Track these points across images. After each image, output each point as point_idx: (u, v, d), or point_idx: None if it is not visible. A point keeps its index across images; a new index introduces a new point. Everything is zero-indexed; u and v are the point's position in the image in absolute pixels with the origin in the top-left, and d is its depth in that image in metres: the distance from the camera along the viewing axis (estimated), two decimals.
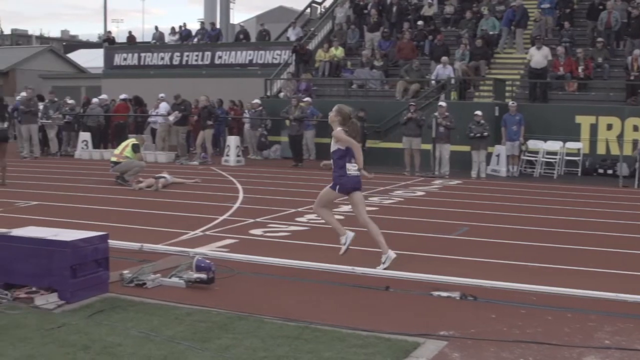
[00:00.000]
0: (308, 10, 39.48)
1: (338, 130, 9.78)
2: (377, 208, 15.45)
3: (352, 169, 9.85)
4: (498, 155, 23.73)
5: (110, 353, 6.15)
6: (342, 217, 12.12)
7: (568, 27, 28.75)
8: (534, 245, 11.85)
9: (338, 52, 31.06)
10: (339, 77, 30.43)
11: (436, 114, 22.95)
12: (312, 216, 13.96)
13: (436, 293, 8.40)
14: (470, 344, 6.68)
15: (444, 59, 27.35)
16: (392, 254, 9.83)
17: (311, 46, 33.08)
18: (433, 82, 27.76)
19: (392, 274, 9.29)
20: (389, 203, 16.41)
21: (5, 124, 18.12)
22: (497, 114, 24.42)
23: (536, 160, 24.02)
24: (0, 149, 17.94)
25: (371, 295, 8.40)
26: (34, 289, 7.73)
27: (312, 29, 35.15)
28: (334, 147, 9.94)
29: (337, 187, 9.90)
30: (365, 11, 33.39)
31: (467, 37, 29.03)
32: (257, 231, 12.37)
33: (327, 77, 30.77)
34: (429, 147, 23.12)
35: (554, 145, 23.97)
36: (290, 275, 9.28)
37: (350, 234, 10.02)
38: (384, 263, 9.77)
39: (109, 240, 8.31)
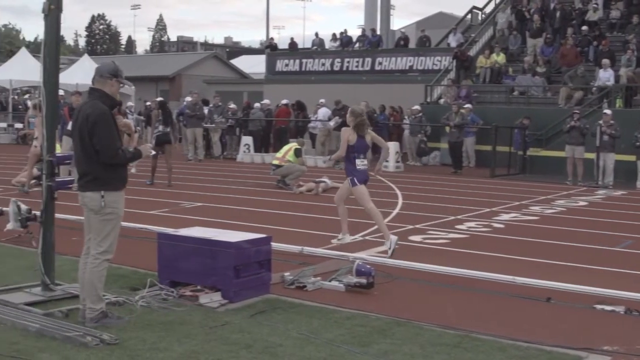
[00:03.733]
0: (469, 16, 39.16)
1: (344, 129, 11.48)
2: (538, 217, 15.18)
3: (360, 164, 11.34)
4: None
5: (271, 353, 6.29)
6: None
7: None
8: None
9: (499, 58, 30.65)
10: (500, 84, 30.04)
11: (600, 122, 22.32)
12: (472, 224, 13.91)
13: (599, 306, 8.16)
14: None
15: (605, 61, 26.55)
16: (394, 237, 10.87)
17: (472, 52, 32.82)
18: (594, 88, 27.00)
19: (553, 285, 9.08)
20: (550, 212, 16.06)
21: (168, 128, 18.90)
22: None
23: None
24: (165, 151, 18.73)
25: (532, 306, 8.25)
26: (198, 287, 7.98)
27: (473, 34, 34.92)
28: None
29: (351, 179, 11.36)
30: (528, 16, 32.87)
31: (634, 43, 28.04)
32: (417, 237, 12.36)
33: (488, 83, 30.43)
34: (592, 156, 22.49)
35: None
36: (449, 283, 9.22)
37: (348, 238, 11.58)
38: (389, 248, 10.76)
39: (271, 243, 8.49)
